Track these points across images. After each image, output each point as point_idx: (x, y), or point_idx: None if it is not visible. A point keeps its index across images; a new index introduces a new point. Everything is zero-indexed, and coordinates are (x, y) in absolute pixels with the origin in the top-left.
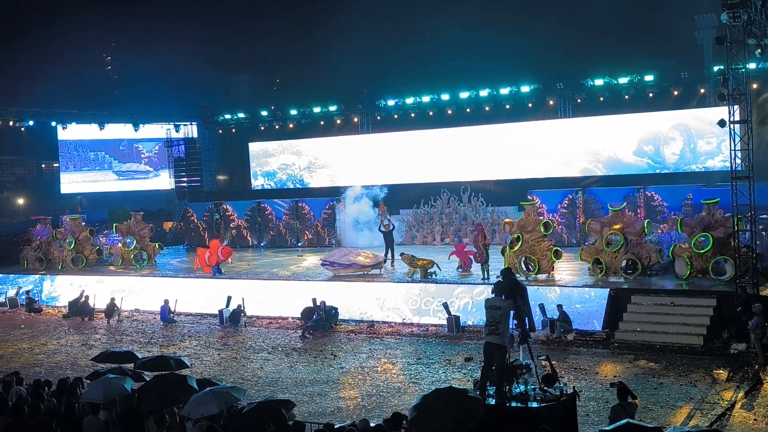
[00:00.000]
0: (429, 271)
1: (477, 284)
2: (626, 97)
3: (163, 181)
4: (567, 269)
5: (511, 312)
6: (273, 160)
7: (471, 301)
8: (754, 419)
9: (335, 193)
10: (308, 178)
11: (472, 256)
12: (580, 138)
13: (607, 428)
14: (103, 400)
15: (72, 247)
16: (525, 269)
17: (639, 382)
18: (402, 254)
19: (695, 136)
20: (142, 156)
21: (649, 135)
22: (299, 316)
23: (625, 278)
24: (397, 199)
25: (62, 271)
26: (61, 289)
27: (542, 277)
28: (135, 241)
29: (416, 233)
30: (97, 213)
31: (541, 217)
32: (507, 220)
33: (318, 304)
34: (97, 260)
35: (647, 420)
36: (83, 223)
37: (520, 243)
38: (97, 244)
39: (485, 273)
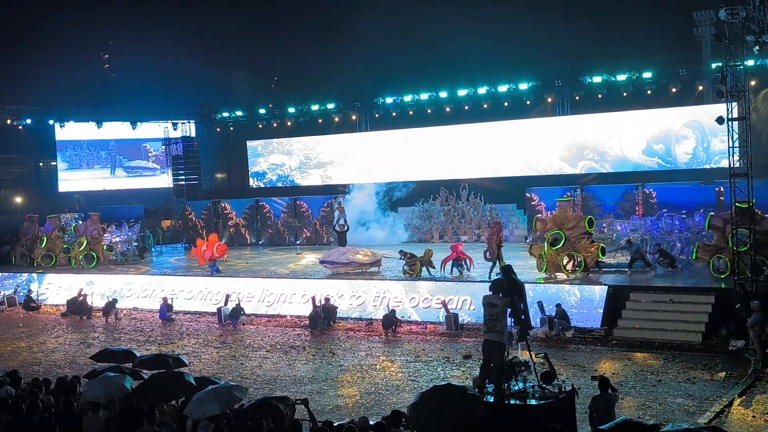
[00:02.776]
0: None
1: (475, 282)
2: (624, 94)
3: (162, 179)
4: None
5: (508, 309)
6: (262, 161)
7: (470, 299)
8: (753, 416)
9: (334, 191)
10: (299, 179)
11: (483, 253)
12: (579, 135)
13: (605, 426)
14: (104, 398)
15: (44, 245)
16: (570, 268)
17: (637, 379)
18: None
19: (709, 134)
20: (150, 155)
21: (659, 133)
22: (308, 316)
23: (754, 280)
24: (395, 196)
25: (38, 269)
26: (49, 288)
27: (545, 275)
28: (86, 242)
29: (415, 231)
30: (93, 210)
31: (575, 212)
32: (538, 217)
33: (317, 303)
34: (67, 258)
35: (645, 417)
36: (62, 222)
37: (563, 240)
38: (66, 243)
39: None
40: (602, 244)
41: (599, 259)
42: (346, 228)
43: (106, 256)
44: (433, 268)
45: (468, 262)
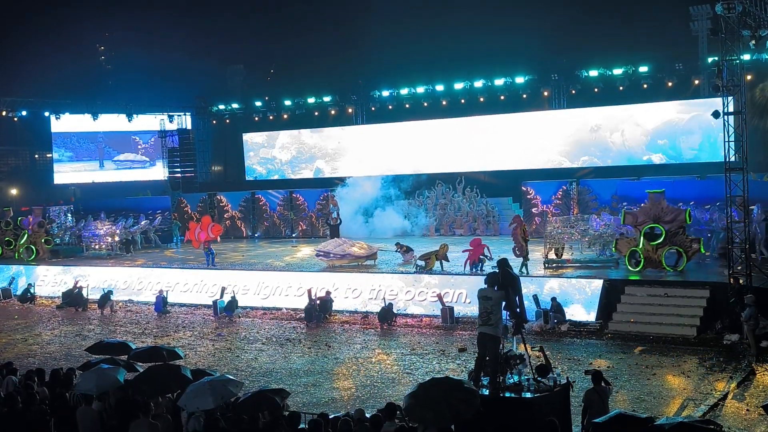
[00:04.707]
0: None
1: (471, 275)
2: (621, 88)
3: (151, 171)
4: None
5: (503, 302)
6: (258, 153)
7: (465, 292)
8: (747, 410)
9: (330, 184)
10: (295, 171)
11: (512, 250)
12: (575, 129)
13: (599, 419)
14: (95, 391)
15: None
16: (672, 263)
17: (632, 372)
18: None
19: (716, 129)
20: (139, 147)
21: (660, 127)
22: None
23: (748, 274)
24: (392, 189)
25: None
26: (45, 281)
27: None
28: (26, 235)
29: (412, 224)
30: (89, 202)
31: (669, 205)
32: (627, 210)
33: (314, 295)
34: (10, 250)
35: (640, 410)
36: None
37: (663, 235)
38: (7, 236)
39: (525, 268)
40: (702, 238)
41: (552, 257)
42: (339, 221)
43: (44, 250)
44: (447, 261)
45: (488, 251)
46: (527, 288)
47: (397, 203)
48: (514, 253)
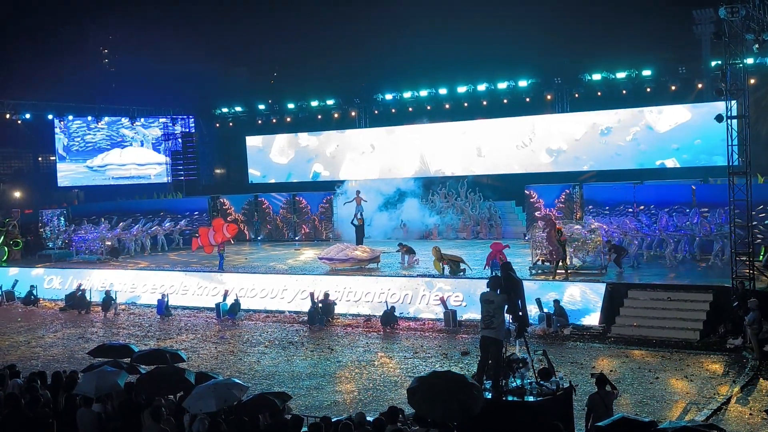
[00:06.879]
0: (461, 266)
1: (474, 278)
2: (624, 91)
3: (160, 174)
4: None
5: (505, 306)
6: (261, 156)
7: (469, 295)
8: (750, 414)
9: (333, 187)
10: (298, 174)
11: (547, 254)
12: (579, 133)
13: (602, 423)
14: (95, 393)
15: None
16: None
17: (635, 376)
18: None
19: (721, 133)
20: (143, 149)
21: (669, 131)
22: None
23: (752, 278)
24: (395, 192)
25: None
26: (48, 284)
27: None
28: (3, 237)
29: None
30: (91, 206)
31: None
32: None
33: (315, 298)
34: None
35: (643, 414)
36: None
37: None
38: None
39: (563, 272)
40: None
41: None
42: (362, 222)
43: (13, 253)
44: (467, 265)
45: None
46: (549, 295)
47: (399, 206)
48: (550, 256)
